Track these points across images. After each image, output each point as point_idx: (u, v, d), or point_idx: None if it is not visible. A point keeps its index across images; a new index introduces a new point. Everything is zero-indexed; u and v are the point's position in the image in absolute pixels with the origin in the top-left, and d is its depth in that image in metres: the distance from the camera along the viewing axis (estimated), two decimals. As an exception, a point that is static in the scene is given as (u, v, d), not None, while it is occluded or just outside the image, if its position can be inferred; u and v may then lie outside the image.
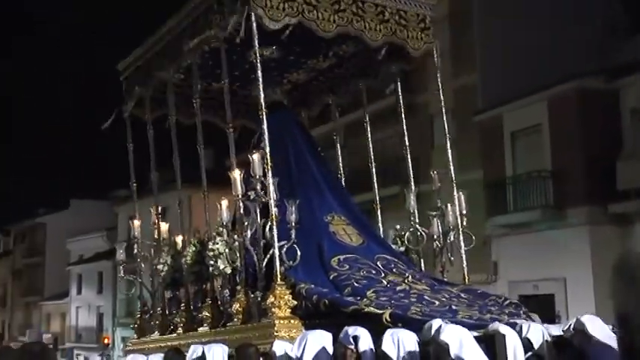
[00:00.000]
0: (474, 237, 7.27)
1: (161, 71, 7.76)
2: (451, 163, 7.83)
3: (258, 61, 6.38)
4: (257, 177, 6.29)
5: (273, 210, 6.05)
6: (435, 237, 7.23)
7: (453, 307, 5.85)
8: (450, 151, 8.04)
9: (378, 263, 6.63)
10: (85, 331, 37.34)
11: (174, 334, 7.22)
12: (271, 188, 6.12)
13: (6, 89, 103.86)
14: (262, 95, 6.36)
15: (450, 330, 4.26)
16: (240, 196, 6.22)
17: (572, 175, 17.26)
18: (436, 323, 4.62)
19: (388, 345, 4.34)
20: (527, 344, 4.79)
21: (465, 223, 7.14)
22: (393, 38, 7.10)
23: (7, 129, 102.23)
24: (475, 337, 4.33)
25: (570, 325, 4.82)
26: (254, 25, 6.28)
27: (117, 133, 9.43)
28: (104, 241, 36.28)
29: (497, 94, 19.80)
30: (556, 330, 5.09)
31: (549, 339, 4.85)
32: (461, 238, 7.05)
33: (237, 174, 6.31)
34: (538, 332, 4.83)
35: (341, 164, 9.35)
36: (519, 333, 4.90)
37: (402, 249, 7.50)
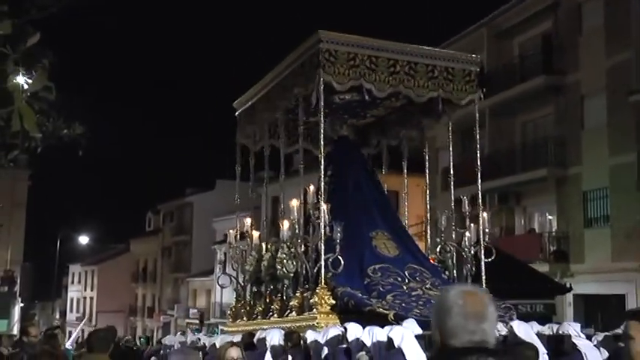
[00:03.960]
0: (494, 250, 9.89)
1: (262, 113, 11.24)
2: (480, 187, 10.38)
3: (322, 115, 9.39)
4: (312, 204, 9.48)
5: (322, 230, 9.16)
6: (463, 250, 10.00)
7: (449, 310, 8.60)
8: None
9: (405, 272, 9.53)
10: (229, 308, 42.78)
11: (255, 320, 10.68)
12: (323, 213, 9.23)
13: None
14: (323, 144, 9.41)
15: (397, 329, 7.05)
16: (295, 220, 9.46)
17: None
18: (408, 323, 7.52)
19: (365, 336, 7.22)
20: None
21: (487, 239, 9.81)
22: (440, 92, 9.84)
23: (162, 114, 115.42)
24: (418, 335, 7.13)
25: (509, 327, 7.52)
26: (322, 87, 9.26)
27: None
28: (299, 204, 41.14)
29: (655, 72, 20.89)
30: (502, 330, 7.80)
31: (499, 336, 7.54)
32: (482, 251, 9.74)
33: (294, 202, 9.57)
34: (490, 332, 7.57)
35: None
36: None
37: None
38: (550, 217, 24.38)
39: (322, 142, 9.39)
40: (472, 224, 9.94)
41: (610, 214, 22.24)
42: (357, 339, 7.31)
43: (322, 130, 9.40)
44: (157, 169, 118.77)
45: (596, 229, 22.71)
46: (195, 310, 43.46)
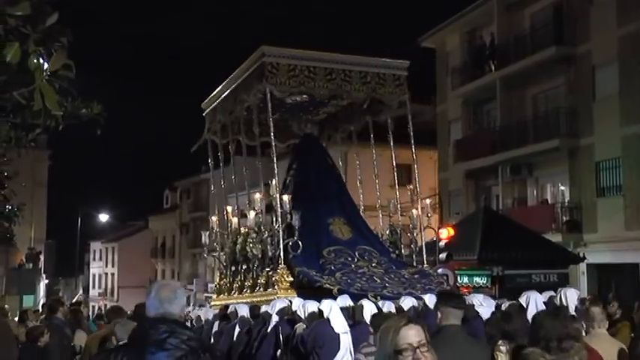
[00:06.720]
0: (435, 231, 12.18)
1: (222, 115, 13.62)
2: (417, 182, 12.60)
3: (271, 120, 11.75)
4: (274, 196, 11.86)
5: (279, 218, 11.49)
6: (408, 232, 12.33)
7: (386, 284, 10.95)
8: (416, 174, 12.77)
9: (356, 252, 11.86)
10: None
11: (234, 295, 13.16)
12: (283, 203, 11.55)
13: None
14: (274, 144, 11.73)
15: (326, 302, 9.33)
16: (259, 210, 11.87)
17: None
18: (340, 297, 9.85)
19: (299, 310, 9.58)
20: (400, 309, 9.85)
21: (428, 223, 12.11)
22: (373, 94, 12.08)
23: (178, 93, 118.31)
24: (342, 307, 9.41)
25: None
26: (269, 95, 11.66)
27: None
28: (262, 196, 43.84)
29: (668, 42, 21.64)
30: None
31: (417, 306, 9.86)
32: (422, 233, 12.04)
33: (257, 196, 11.97)
34: (409, 302, 9.88)
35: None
36: (399, 302, 9.98)
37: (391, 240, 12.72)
38: (562, 188, 25.65)
39: (273, 143, 11.76)
40: (414, 210, 12.22)
41: (623, 183, 23.30)
42: (295, 311, 9.72)
43: (272, 133, 11.74)
44: (173, 147, 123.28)
45: (608, 199, 23.87)
46: (213, 285, 46.20)
